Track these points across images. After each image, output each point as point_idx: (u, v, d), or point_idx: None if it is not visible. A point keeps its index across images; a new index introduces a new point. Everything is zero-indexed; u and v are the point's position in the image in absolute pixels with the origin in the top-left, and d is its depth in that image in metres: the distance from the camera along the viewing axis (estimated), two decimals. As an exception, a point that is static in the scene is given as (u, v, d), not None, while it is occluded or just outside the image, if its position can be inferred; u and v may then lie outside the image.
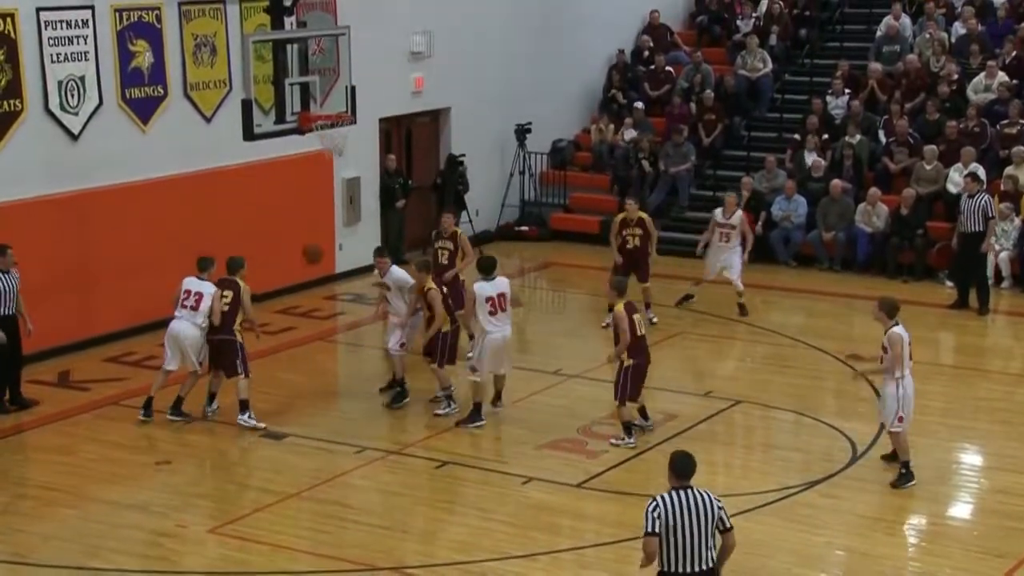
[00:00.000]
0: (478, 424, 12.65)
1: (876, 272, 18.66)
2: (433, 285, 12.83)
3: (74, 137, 15.14)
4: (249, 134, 13.64)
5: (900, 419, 11.24)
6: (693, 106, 21.70)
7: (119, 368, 14.66)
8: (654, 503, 7.50)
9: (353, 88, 14.42)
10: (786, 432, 13.14)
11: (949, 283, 18.09)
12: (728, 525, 7.64)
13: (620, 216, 15.93)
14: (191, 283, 12.82)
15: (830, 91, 21.05)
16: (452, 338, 12.97)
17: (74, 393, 13.90)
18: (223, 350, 12.77)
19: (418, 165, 20.27)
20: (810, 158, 19.88)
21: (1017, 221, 18.16)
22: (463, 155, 20.19)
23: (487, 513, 10.97)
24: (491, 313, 12.48)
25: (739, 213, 16.70)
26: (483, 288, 12.53)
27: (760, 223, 19.47)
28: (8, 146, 14.44)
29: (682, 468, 7.59)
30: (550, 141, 21.85)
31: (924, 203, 18.87)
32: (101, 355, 15.00)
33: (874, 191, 18.98)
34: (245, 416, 12.76)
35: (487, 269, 12.68)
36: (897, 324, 11.27)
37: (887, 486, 11.31)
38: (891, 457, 11.60)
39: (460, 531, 10.66)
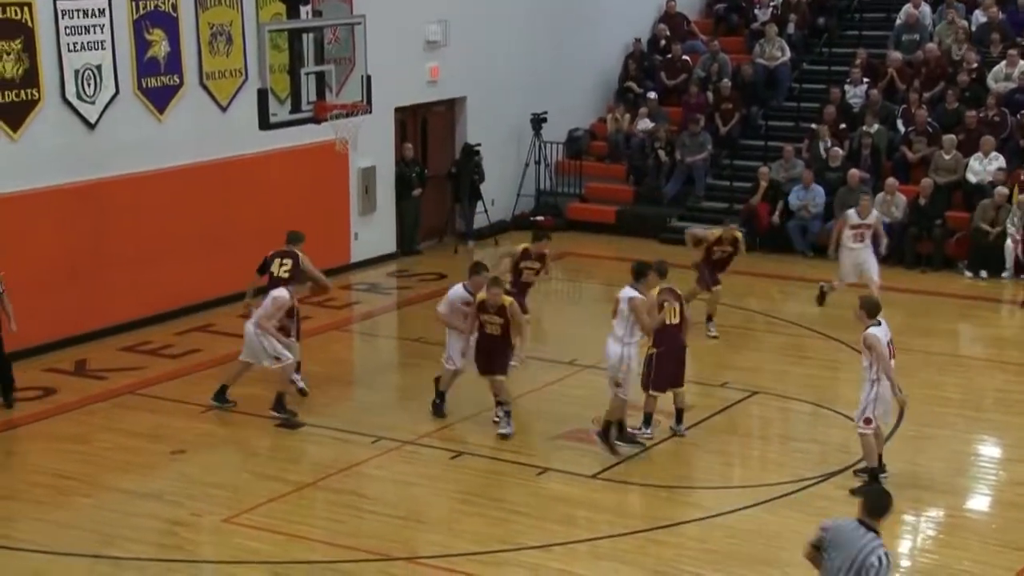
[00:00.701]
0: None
1: (894, 262, 18.57)
2: (510, 299, 12.14)
3: (91, 126, 15.16)
4: (265, 123, 13.63)
5: (867, 421, 10.92)
6: (710, 95, 21.62)
7: (135, 357, 14.69)
8: (831, 520, 7.27)
9: (369, 77, 14.39)
10: (803, 423, 13.10)
11: (968, 273, 18.04)
12: None
13: (717, 233, 15.56)
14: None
15: (848, 80, 20.95)
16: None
17: (90, 382, 13.94)
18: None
19: (433, 154, 20.26)
20: (831, 150, 19.78)
21: (1037, 211, 18.07)
22: (479, 144, 20.16)
23: (502, 504, 10.95)
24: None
25: (875, 213, 16.37)
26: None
27: (777, 213, 19.43)
28: (25, 135, 14.47)
29: (872, 505, 7.19)
30: (566, 130, 21.80)
31: (943, 193, 18.77)
32: (117, 344, 15.03)
33: (892, 181, 18.88)
34: (298, 376, 13.18)
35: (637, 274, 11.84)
36: (879, 324, 10.88)
37: (903, 478, 11.25)
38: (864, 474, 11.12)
39: (475, 522, 10.65)
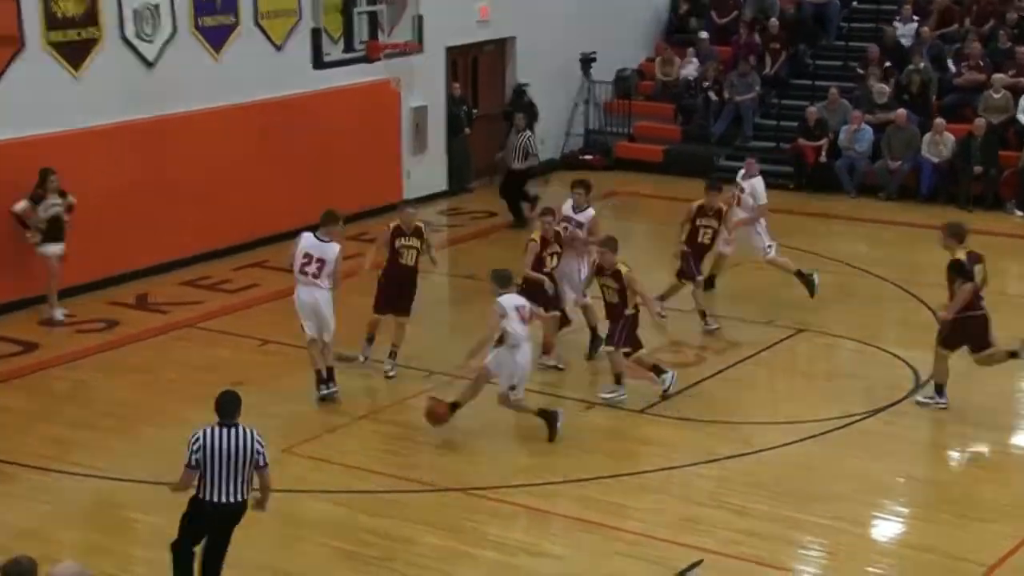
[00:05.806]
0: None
1: (945, 201, 18.27)
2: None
3: (149, 64, 15.22)
4: (319, 63, 13.66)
5: None
6: (757, 36, 21.34)
7: (195, 291, 14.82)
8: (196, 438, 8.03)
9: (420, 17, 14.35)
10: (848, 360, 13.05)
11: (1018, 212, 17.86)
12: (264, 463, 8.05)
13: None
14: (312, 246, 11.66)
15: (899, 17, 20.60)
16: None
17: (152, 315, 14.10)
18: None
19: (483, 94, 20.17)
20: (875, 86, 19.50)
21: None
22: (527, 84, 20.04)
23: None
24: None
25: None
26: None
27: (824, 151, 19.20)
28: (87, 73, 14.55)
29: (226, 408, 8.13)
30: (614, 70, 21.63)
31: (995, 133, 18.43)
32: (177, 279, 15.17)
33: (940, 121, 18.59)
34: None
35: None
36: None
37: (949, 414, 11.19)
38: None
39: (525, 454, 10.74)
